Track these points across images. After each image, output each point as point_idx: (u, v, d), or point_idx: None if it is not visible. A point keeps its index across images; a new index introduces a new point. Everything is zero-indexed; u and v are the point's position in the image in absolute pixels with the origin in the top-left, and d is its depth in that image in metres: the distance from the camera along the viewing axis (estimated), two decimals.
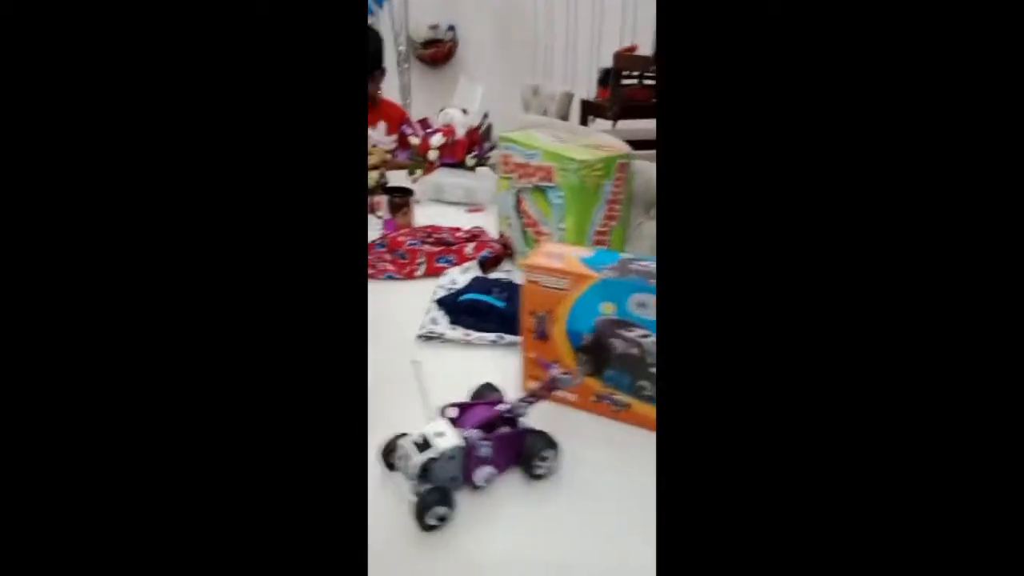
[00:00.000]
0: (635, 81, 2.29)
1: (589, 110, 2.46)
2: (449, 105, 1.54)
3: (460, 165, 1.48)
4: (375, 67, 1.63)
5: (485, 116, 1.50)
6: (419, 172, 1.52)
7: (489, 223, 1.20)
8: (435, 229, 1.11)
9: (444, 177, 1.36)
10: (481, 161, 1.50)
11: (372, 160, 1.40)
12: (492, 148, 1.46)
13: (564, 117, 1.91)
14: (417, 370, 0.53)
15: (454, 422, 0.50)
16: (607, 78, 2.33)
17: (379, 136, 1.61)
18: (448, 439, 0.48)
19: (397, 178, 1.41)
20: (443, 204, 1.34)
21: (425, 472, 0.46)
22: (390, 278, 0.95)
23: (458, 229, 1.12)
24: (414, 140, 1.52)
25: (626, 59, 2.40)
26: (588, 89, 2.57)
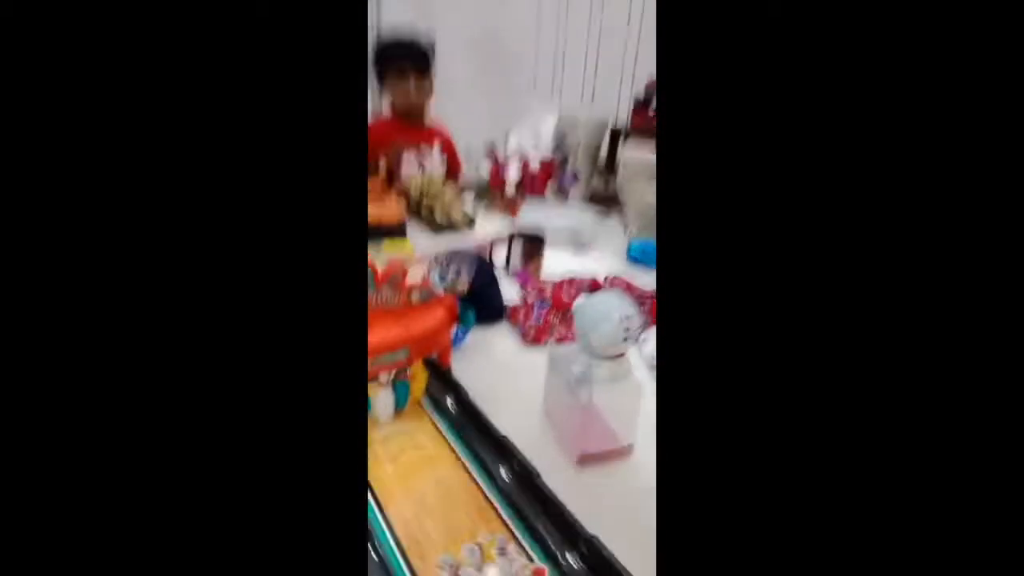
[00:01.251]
0: None
1: (624, 136, 2.27)
2: (515, 131, 1.39)
3: (543, 198, 1.33)
4: (423, 68, 1.38)
5: (560, 145, 1.36)
6: (483, 204, 1.35)
7: (606, 267, 1.07)
8: (577, 281, 0.96)
9: (540, 215, 1.21)
10: (559, 196, 1.36)
11: (447, 197, 1.21)
12: (576, 180, 1.33)
13: (596, 150, 1.82)
14: None
15: None
16: (647, 104, 2.27)
17: (439, 161, 1.42)
18: None
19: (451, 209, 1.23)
20: None
21: None
22: None
23: (594, 280, 0.98)
24: (481, 171, 1.35)
25: None
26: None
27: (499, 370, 0.71)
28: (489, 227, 1.21)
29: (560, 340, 0.79)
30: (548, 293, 0.88)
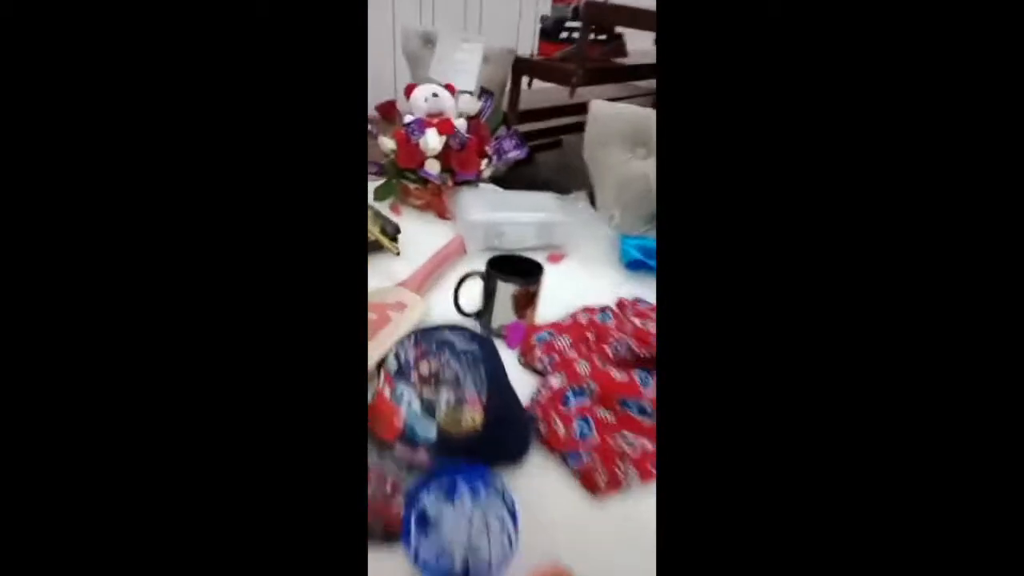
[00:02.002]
0: (593, 37, 1.84)
1: (529, 71, 1.70)
2: (424, 79, 0.95)
3: (475, 181, 0.93)
4: None
5: (487, 96, 0.97)
6: (392, 198, 0.93)
7: (605, 283, 0.75)
8: (600, 327, 0.63)
9: (489, 208, 0.82)
10: (496, 171, 0.98)
11: None
12: (522, 146, 0.95)
13: (502, 85, 1.43)
14: None
15: None
16: (557, 29, 1.81)
17: None
18: None
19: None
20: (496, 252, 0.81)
21: None
22: None
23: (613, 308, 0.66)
24: (387, 144, 0.91)
25: (598, 7, 1.62)
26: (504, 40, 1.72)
27: None
28: (425, 243, 0.80)
29: (645, 475, 0.47)
30: (580, 365, 0.55)
